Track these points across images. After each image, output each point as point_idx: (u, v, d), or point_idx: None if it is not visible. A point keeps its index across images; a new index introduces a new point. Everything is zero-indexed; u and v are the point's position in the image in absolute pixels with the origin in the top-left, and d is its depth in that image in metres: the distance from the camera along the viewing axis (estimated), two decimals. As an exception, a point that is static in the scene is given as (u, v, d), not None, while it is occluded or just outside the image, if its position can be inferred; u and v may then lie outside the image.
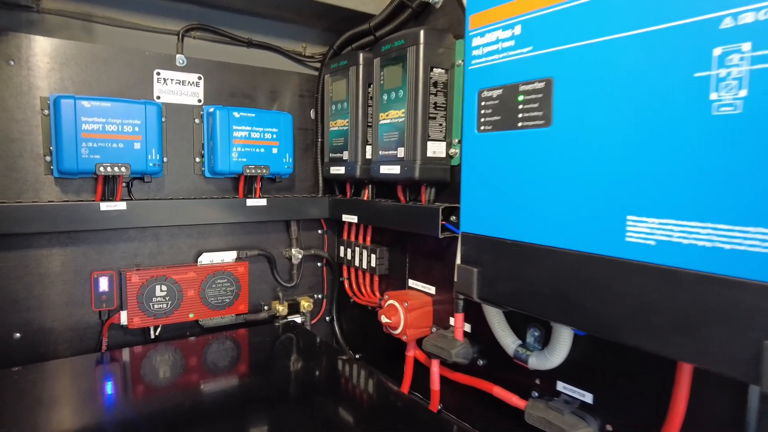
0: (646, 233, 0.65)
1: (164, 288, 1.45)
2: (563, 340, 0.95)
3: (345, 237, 1.68)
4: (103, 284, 1.41)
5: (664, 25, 0.62)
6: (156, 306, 1.44)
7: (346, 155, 1.52)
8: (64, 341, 1.39)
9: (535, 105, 0.78)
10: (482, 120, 0.87)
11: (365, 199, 1.54)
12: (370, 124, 1.47)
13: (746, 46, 0.55)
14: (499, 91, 0.84)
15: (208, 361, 1.32)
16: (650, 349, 0.65)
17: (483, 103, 0.87)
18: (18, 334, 1.33)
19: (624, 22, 0.66)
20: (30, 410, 1.01)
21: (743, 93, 0.55)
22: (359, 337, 1.76)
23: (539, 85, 0.77)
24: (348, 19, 1.57)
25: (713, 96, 0.58)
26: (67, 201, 1.32)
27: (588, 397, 0.98)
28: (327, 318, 1.84)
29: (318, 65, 1.75)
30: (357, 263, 1.61)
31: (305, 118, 1.74)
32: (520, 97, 0.80)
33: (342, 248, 1.69)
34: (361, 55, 1.45)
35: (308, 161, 1.76)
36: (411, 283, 1.45)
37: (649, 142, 0.64)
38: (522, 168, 0.80)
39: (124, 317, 1.41)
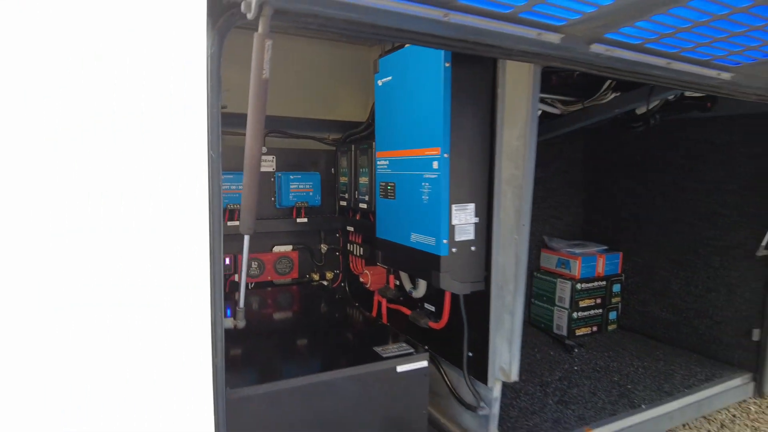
0: (413, 238, 1.98)
1: (256, 263, 2.90)
2: (421, 283, 2.28)
3: (350, 239, 3.06)
4: (227, 261, 2.88)
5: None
6: (252, 272, 2.89)
7: (346, 196, 2.91)
8: (210, 288, 2.87)
9: (392, 190, 2.13)
10: (379, 193, 2.23)
11: (357, 218, 2.92)
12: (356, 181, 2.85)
13: (433, 167, 1.88)
14: (383, 184, 2.19)
15: (277, 302, 2.74)
16: (416, 275, 1.99)
17: (380, 187, 2.23)
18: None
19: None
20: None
21: (430, 188, 1.88)
22: (358, 292, 3.14)
23: (392, 184, 2.12)
24: (352, 121, 2.96)
25: (423, 188, 1.91)
26: (214, 220, 2.79)
27: (433, 308, 2.29)
28: (342, 284, 3.24)
29: (335, 147, 3.16)
30: (355, 253, 2.98)
31: (330, 174, 3.14)
32: (388, 188, 2.15)
33: (348, 245, 3.07)
34: (353, 146, 2.83)
35: (331, 197, 3.16)
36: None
37: (412, 206, 1.97)
38: (387, 213, 2.16)
39: (236, 277, 2.88)
